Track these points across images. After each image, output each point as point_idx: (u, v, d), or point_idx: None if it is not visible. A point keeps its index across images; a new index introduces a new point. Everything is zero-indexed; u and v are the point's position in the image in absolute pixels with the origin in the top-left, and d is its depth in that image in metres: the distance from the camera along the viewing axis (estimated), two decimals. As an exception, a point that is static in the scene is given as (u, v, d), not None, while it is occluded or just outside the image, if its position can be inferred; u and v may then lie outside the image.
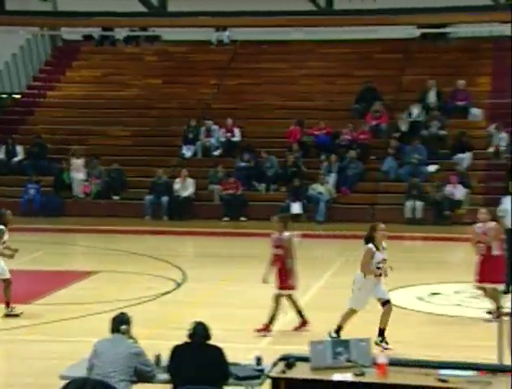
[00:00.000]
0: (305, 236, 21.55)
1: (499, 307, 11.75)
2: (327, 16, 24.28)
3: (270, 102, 27.06)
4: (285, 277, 11.42)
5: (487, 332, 10.39)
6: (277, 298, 11.41)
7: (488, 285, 11.96)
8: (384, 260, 10.69)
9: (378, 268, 10.61)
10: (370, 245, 10.63)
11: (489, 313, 12.15)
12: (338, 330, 10.80)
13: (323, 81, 27.60)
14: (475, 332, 11.42)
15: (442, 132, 24.63)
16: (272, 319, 11.38)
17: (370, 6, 24.36)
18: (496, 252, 11.94)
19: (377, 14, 24.42)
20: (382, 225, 10.89)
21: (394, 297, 13.62)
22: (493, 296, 11.96)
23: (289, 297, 11.52)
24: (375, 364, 7.39)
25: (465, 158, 23.84)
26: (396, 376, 7.27)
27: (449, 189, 22.69)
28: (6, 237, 12.29)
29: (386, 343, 10.50)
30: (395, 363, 7.49)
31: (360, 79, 26.42)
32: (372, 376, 7.30)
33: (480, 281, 12.04)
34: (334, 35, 27.59)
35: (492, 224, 12.06)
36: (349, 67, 27.86)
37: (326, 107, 26.45)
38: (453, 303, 13.35)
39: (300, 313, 11.63)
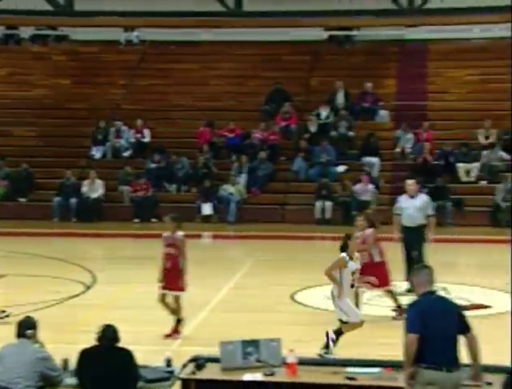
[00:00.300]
0: (215, 236, 21.63)
1: (399, 306, 11.99)
2: (236, 17, 24.36)
3: (180, 103, 26.99)
4: (175, 277, 11.21)
5: (393, 330, 10.59)
6: (163, 298, 11.20)
7: (385, 288, 12.16)
8: (357, 270, 10.57)
9: (353, 279, 10.35)
10: (344, 255, 10.27)
11: (395, 310, 12.39)
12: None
13: (233, 82, 27.69)
14: (382, 330, 11.62)
15: (350, 133, 25.02)
16: (179, 320, 11.27)
17: (279, 7, 24.54)
18: (377, 259, 12.04)
19: (286, 16, 24.64)
20: (357, 234, 10.73)
21: (304, 297, 13.82)
22: (390, 296, 12.14)
23: (176, 298, 11.25)
24: (285, 363, 7.47)
25: (373, 159, 24.27)
26: (306, 375, 7.37)
27: (357, 189, 23.05)
28: None
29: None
30: (305, 362, 7.58)
31: (270, 81, 26.60)
32: (282, 375, 7.38)
33: (379, 286, 12.15)
34: (244, 36, 27.69)
35: (370, 230, 12.01)
36: (258, 68, 28.02)
37: (235, 108, 26.54)
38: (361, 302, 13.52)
39: (178, 320, 11.30)
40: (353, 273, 10.31)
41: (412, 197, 14.04)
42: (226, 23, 25.09)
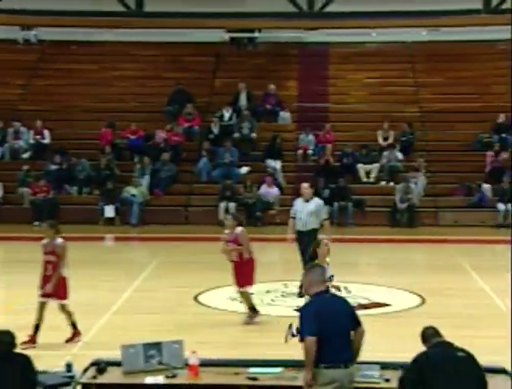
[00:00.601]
0: (118, 239, 21.40)
1: (250, 308, 11.95)
2: (137, 18, 24.14)
3: (81, 104, 26.60)
4: (57, 285, 10.83)
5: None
6: (43, 307, 10.82)
7: (241, 289, 11.98)
8: (332, 277, 10.13)
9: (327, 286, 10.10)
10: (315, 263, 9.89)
11: (298, 310, 12.47)
12: None
13: (135, 83, 27.46)
14: (282, 330, 11.69)
15: (253, 135, 25.16)
16: (74, 325, 11.07)
17: (180, 8, 24.45)
18: (246, 256, 11.94)
19: (187, 18, 24.58)
20: (326, 241, 10.42)
21: (207, 298, 13.82)
22: (244, 297, 12.04)
23: (62, 306, 10.92)
24: (187, 365, 7.45)
25: (276, 160, 24.45)
26: (208, 376, 7.38)
27: (261, 190, 23.20)
28: None
29: None
30: (207, 364, 7.58)
31: (172, 82, 26.51)
32: (184, 377, 7.37)
33: (241, 286, 12.01)
34: (146, 37, 27.50)
35: (239, 229, 11.94)
36: (161, 69, 27.89)
37: (138, 109, 26.35)
38: (264, 302, 13.63)
39: (73, 324, 11.05)
40: (327, 281, 9.99)
41: (307, 201, 13.93)
42: (127, 23, 24.85)
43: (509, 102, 25.07)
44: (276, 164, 24.36)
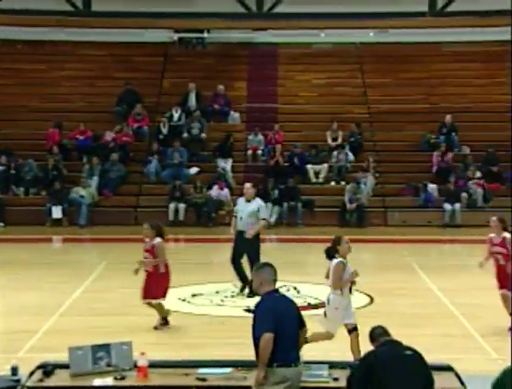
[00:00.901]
0: (67, 240, 21.19)
1: (163, 318, 11.70)
2: (85, 18, 23.91)
3: (28, 104, 26.24)
4: None
5: (243, 330, 10.71)
6: None
7: (153, 301, 11.63)
8: (353, 273, 9.87)
9: (351, 283, 9.85)
10: (339, 259, 9.78)
11: (248, 310, 12.50)
12: None
13: (83, 83, 27.20)
14: (232, 330, 11.72)
15: (203, 135, 25.12)
16: None
17: (128, 8, 24.30)
18: (162, 270, 11.59)
19: (136, 17, 24.44)
20: (346, 238, 10.15)
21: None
22: (158, 308, 11.72)
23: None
24: (136, 367, 7.41)
25: (227, 160, 24.42)
26: (157, 378, 7.34)
27: (211, 191, 23.17)
28: None
29: None
30: (156, 365, 7.55)
31: (121, 82, 26.34)
32: (133, 379, 7.32)
33: (144, 297, 11.66)
34: (94, 37, 27.25)
35: (158, 240, 11.56)
36: (109, 69, 27.68)
37: (86, 109, 26.11)
38: (214, 303, 13.62)
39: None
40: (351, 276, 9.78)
41: (249, 201, 13.84)
42: (75, 23, 24.60)
43: (454, 103, 25.53)
44: (227, 165, 24.35)
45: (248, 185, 14.23)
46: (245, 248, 13.71)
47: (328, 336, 9.79)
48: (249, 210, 13.72)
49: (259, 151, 24.85)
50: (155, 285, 11.59)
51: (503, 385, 6.20)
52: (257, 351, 6.76)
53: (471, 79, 27.30)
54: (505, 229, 11.77)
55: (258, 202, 13.94)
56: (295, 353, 6.86)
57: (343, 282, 9.73)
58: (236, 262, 13.85)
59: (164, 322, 11.79)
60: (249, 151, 24.92)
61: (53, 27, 25.38)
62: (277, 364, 6.70)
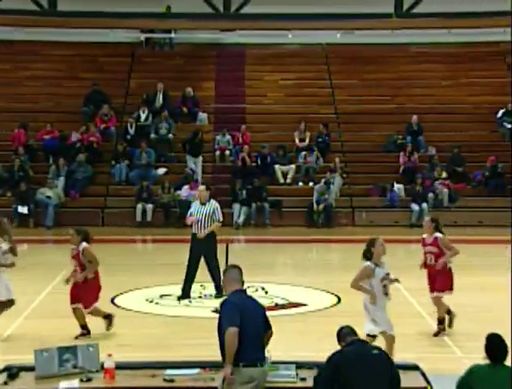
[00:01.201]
0: (32, 241, 20.99)
1: (82, 326, 11.44)
2: (50, 17, 23.70)
3: (-7, 104, 26.04)
4: None
5: (210, 330, 10.70)
6: None
7: (86, 310, 11.38)
8: (387, 275, 9.71)
9: (384, 286, 9.64)
10: (368, 263, 9.64)
11: (216, 311, 12.49)
12: None
13: (49, 83, 27.02)
14: (200, 331, 11.70)
15: (170, 135, 25.04)
16: None
17: (94, 8, 24.13)
18: (91, 275, 11.32)
19: (102, 17, 24.28)
20: (381, 240, 9.90)
21: (124, 301, 13.69)
22: (79, 316, 11.43)
23: None
24: (103, 368, 7.37)
25: (196, 158, 24.24)
26: (124, 379, 7.31)
27: (181, 191, 23.07)
28: None
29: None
30: (123, 366, 7.51)
31: (88, 82, 26.19)
32: (99, 381, 7.29)
33: (73, 302, 11.40)
34: (59, 36, 27.04)
35: (83, 245, 11.33)
36: (75, 70, 27.48)
37: (53, 109, 25.94)
38: (182, 304, 13.59)
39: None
40: (383, 279, 9.61)
41: (204, 204, 13.77)
42: (40, 22, 24.38)
43: (420, 104, 25.70)
44: (197, 165, 24.12)
45: (202, 187, 14.15)
46: (202, 250, 13.70)
47: (390, 338, 9.47)
48: (205, 212, 13.65)
49: (227, 152, 24.83)
50: (85, 292, 11.34)
51: (467, 384, 6.25)
52: (222, 349, 6.76)
53: (437, 80, 27.52)
54: (437, 229, 11.64)
55: (213, 204, 13.87)
56: (260, 353, 6.87)
57: (356, 285, 9.65)
58: (190, 265, 13.75)
59: (85, 330, 11.45)
60: (217, 152, 24.89)
61: (19, 26, 25.13)
62: (243, 363, 6.71)
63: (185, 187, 23.08)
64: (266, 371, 6.92)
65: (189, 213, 14.02)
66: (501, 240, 19.49)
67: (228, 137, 24.99)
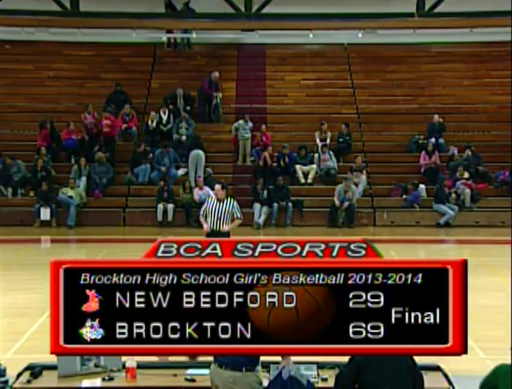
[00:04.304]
0: (55, 241, 21.12)
1: None
2: (72, 18, 23.83)
3: (17, 104, 26.20)
4: None
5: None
6: None
7: None
8: None
9: None
10: None
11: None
12: None
13: (72, 83, 27.15)
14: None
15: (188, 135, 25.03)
16: None
17: (116, 9, 24.25)
18: None
19: (124, 18, 24.39)
20: None
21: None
22: None
23: None
24: (124, 368, 7.39)
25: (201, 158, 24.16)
26: (145, 379, 7.32)
27: (198, 192, 23.10)
28: None
29: None
30: (145, 366, 7.53)
31: (109, 82, 26.29)
32: (121, 380, 7.30)
33: None
34: (82, 37, 27.18)
35: None
36: (98, 70, 27.60)
37: (75, 110, 26.03)
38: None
39: None
40: None
41: (221, 201, 13.73)
42: (63, 23, 24.52)
43: (442, 104, 25.55)
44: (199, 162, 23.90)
45: (217, 186, 14.11)
46: None
47: None
48: (224, 209, 13.68)
49: (247, 152, 24.81)
50: None
51: (492, 384, 6.22)
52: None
53: (459, 80, 27.39)
54: None
55: (230, 202, 13.90)
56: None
57: None
58: None
59: None
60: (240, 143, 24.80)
61: (41, 27, 25.28)
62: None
63: (196, 190, 23.02)
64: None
65: (202, 210, 14.07)
66: (524, 240, 19.34)
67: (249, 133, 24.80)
